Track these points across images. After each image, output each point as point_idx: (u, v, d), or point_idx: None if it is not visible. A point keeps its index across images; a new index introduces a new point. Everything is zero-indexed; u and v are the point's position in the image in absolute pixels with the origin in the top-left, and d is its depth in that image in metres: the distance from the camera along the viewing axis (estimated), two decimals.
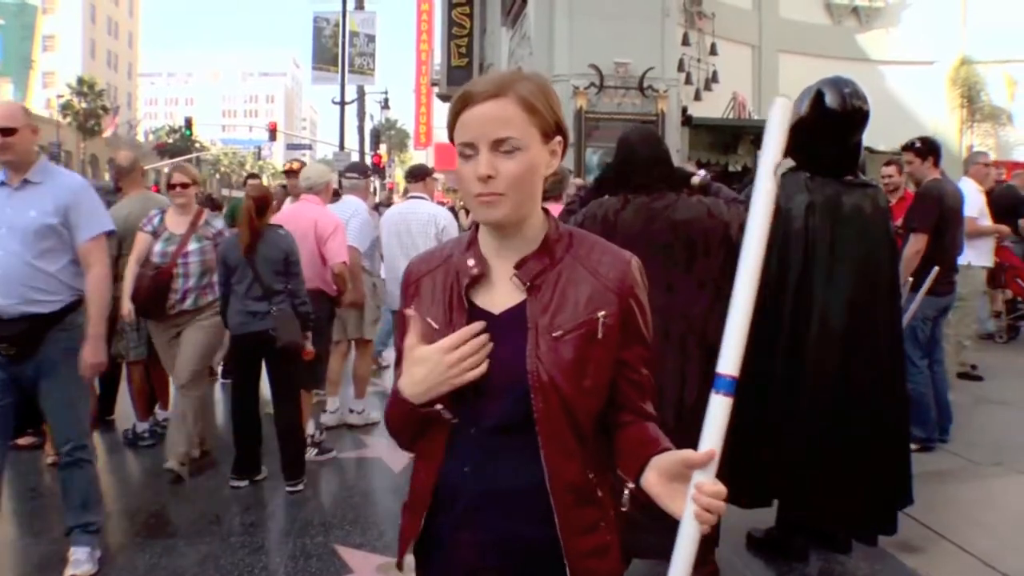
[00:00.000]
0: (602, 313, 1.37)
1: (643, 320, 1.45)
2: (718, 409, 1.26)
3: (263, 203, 4.69)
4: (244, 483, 4.74)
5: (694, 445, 1.26)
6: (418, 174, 6.17)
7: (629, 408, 1.45)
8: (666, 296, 3.03)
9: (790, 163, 3.61)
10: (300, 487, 4.66)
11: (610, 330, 1.38)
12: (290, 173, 6.70)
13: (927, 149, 5.44)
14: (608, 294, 1.39)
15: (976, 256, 7.01)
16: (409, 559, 1.52)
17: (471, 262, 1.42)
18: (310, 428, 5.28)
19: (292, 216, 5.31)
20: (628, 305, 1.41)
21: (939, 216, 5.16)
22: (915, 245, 5.11)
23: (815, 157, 3.56)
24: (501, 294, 1.41)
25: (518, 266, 1.40)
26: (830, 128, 3.50)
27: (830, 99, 3.42)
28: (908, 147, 5.53)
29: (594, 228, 3.07)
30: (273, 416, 4.77)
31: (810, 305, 3.45)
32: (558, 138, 1.41)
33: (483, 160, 1.32)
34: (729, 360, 1.26)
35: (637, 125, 3.85)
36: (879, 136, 11.28)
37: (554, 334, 1.35)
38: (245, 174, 15.55)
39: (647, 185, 3.15)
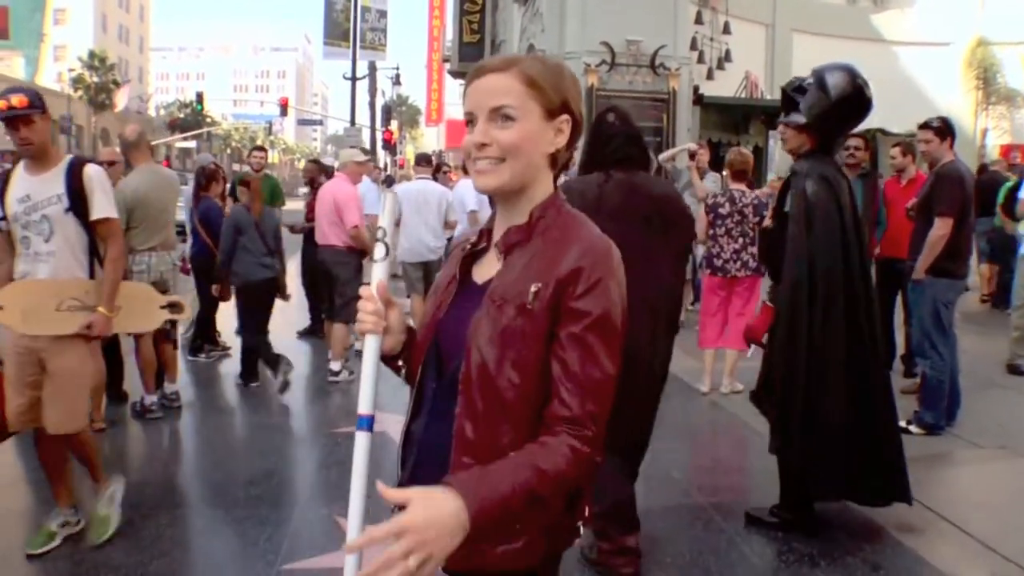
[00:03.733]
0: (536, 285, 1.35)
1: (588, 300, 1.34)
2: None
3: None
4: (256, 383, 6.34)
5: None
6: (426, 160, 8.31)
7: (552, 401, 1.34)
8: (645, 265, 3.15)
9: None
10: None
11: (542, 302, 1.34)
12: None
13: (946, 129, 5.31)
14: (554, 269, 1.35)
15: None
16: None
17: (475, 237, 1.53)
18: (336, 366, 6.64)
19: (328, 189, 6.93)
20: (572, 280, 1.34)
21: (962, 200, 5.11)
22: (942, 229, 5.04)
23: (828, 140, 3.74)
24: (489, 264, 1.48)
25: (502, 236, 1.45)
26: (853, 112, 3.61)
27: (857, 82, 3.51)
28: (926, 125, 5.37)
29: (579, 205, 3.12)
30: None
31: (838, 279, 3.56)
32: (564, 116, 1.43)
33: (479, 129, 1.39)
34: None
35: (613, 104, 4.07)
36: (892, 118, 11.18)
37: (496, 302, 1.38)
38: (250, 147, 15.35)
39: (625, 161, 3.31)
